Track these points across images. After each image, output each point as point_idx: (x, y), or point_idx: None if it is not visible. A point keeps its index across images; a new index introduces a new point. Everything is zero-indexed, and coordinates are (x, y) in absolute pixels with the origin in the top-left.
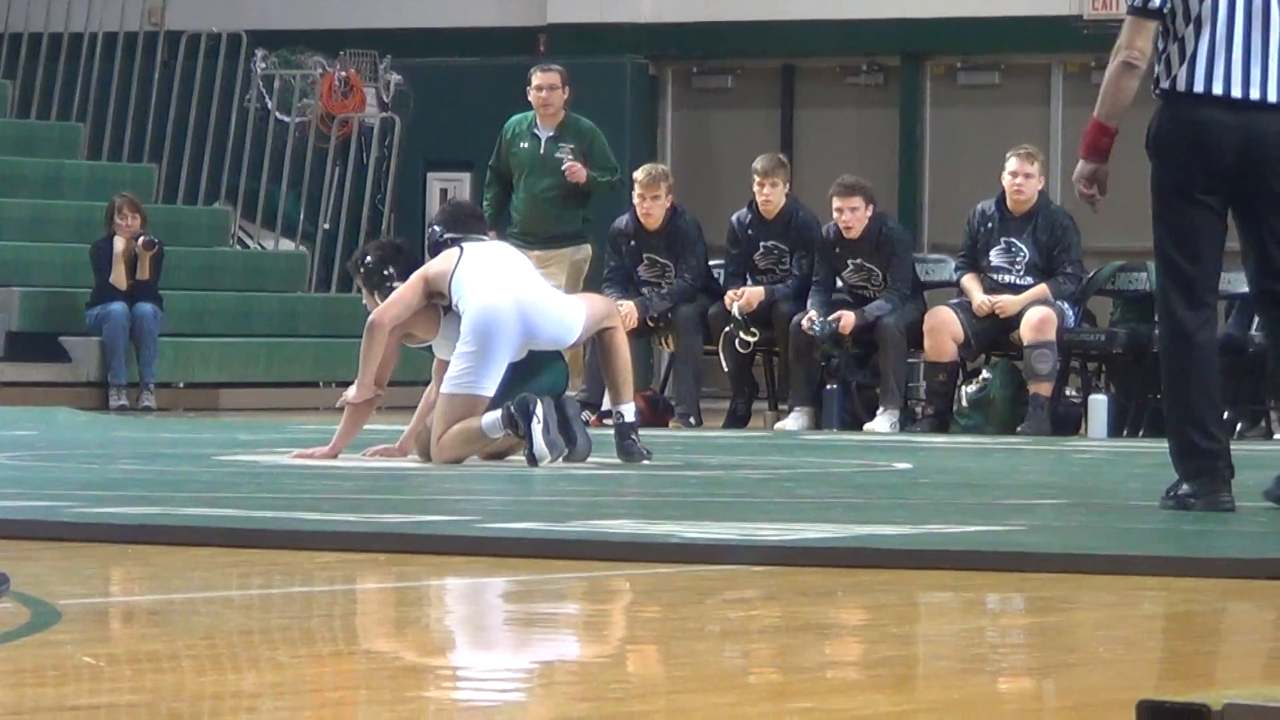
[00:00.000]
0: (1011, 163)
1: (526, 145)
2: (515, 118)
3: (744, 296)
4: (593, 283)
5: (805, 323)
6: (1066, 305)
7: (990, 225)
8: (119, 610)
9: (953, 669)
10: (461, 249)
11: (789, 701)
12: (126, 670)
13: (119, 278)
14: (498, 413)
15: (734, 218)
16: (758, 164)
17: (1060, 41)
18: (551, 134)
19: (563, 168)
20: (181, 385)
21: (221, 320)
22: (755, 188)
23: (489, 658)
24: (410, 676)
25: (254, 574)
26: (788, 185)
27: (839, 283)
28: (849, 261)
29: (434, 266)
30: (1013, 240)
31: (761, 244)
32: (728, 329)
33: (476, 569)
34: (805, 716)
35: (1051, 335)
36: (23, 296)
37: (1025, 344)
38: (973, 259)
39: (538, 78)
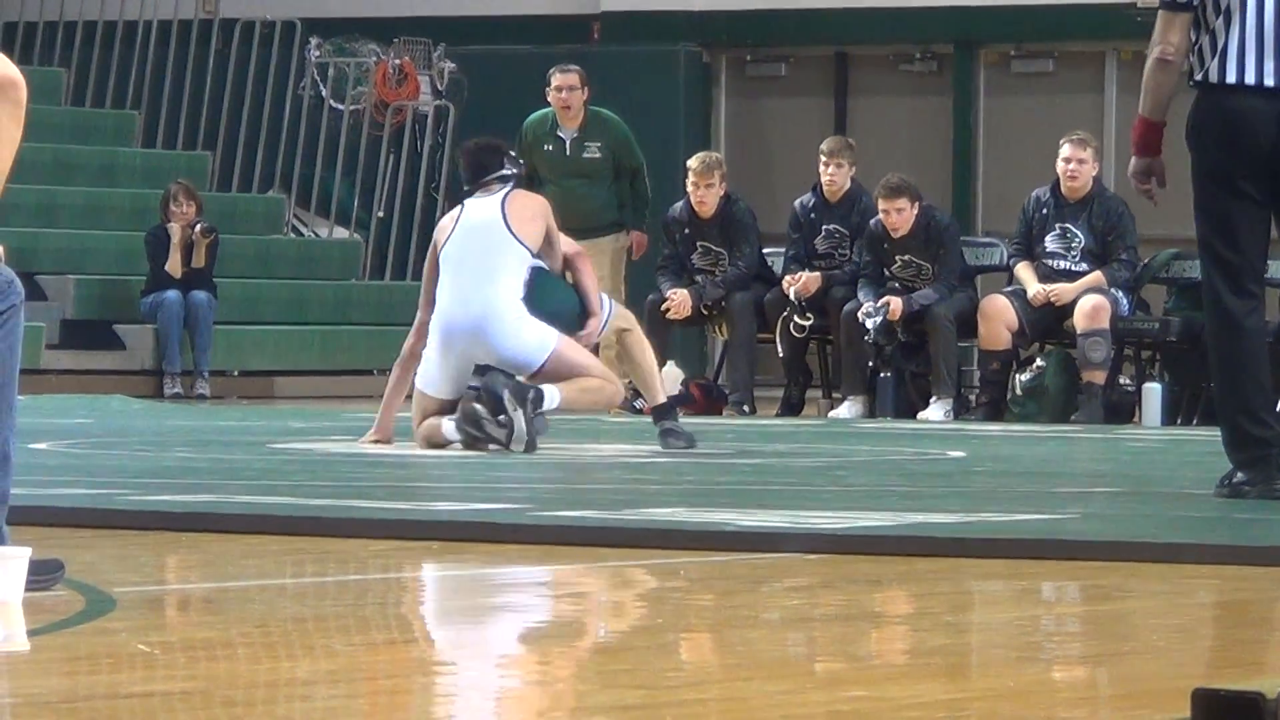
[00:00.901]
0: (1065, 149)
1: (551, 148)
2: (533, 118)
3: (801, 281)
4: (646, 269)
5: (860, 314)
6: (1120, 293)
7: (1045, 212)
8: (173, 598)
9: (1006, 657)
10: (461, 207)
11: (843, 689)
12: (181, 658)
13: (174, 265)
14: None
15: (797, 202)
16: (824, 145)
17: (1114, 29)
18: (575, 135)
19: (632, 253)
20: (236, 373)
21: (276, 308)
22: (820, 168)
23: (542, 646)
24: (463, 664)
25: (308, 562)
26: (853, 168)
27: (886, 274)
28: (897, 257)
29: (438, 234)
30: (1068, 226)
31: (824, 228)
32: (785, 314)
33: (530, 557)
34: (859, 704)
35: (1105, 323)
36: (77, 284)
37: (1079, 332)
38: (1027, 246)
39: (557, 79)
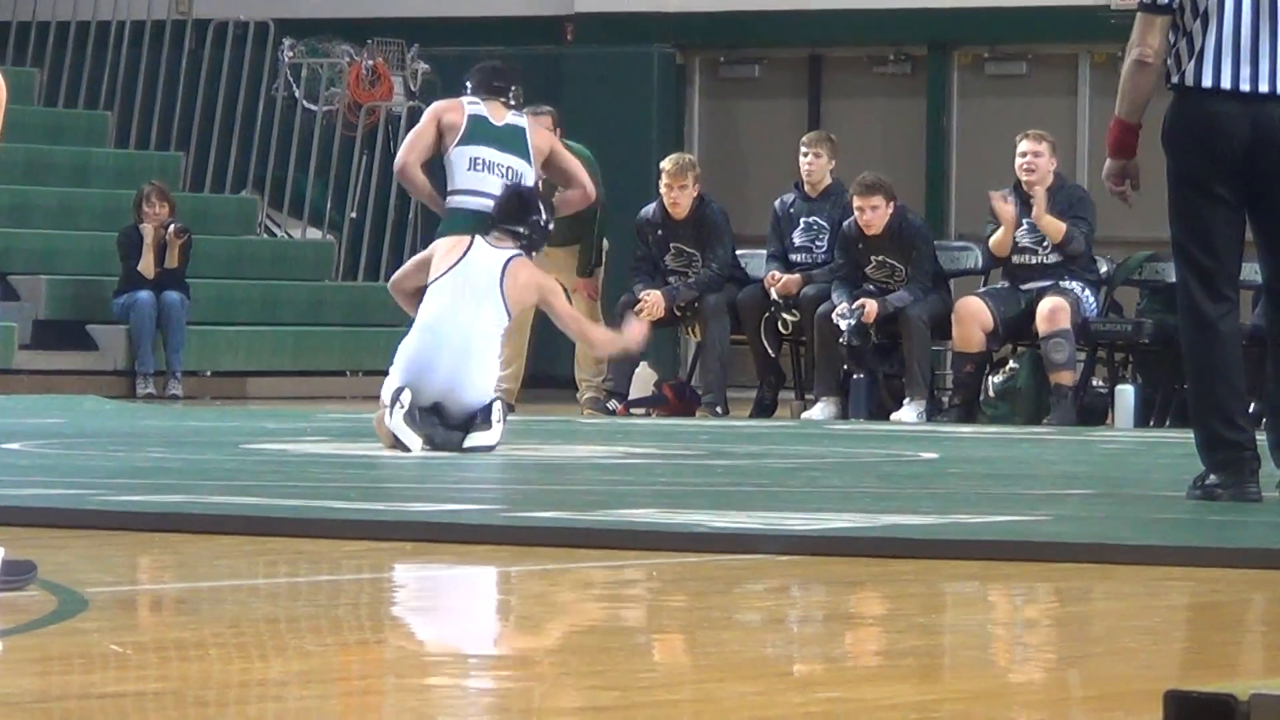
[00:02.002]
0: (1021, 145)
1: None
2: None
3: (782, 282)
4: (618, 270)
5: (834, 316)
6: (1085, 291)
7: (1013, 209)
8: (146, 598)
9: (978, 659)
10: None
11: (815, 691)
12: (153, 658)
13: (147, 266)
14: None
15: (777, 200)
16: (805, 137)
17: (1087, 31)
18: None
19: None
20: (208, 374)
21: (248, 309)
22: (800, 159)
23: (514, 647)
24: (436, 665)
25: (280, 562)
26: (832, 161)
27: (861, 275)
28: (871, 258)
29: (442, 250)
30: (1033, 222)
31: (803, 220)
32: (769, 313)
33: (502, 558)
34: (832, 706)
35: (1066, 324)
36: (50, 285)
37: (1040, 335)
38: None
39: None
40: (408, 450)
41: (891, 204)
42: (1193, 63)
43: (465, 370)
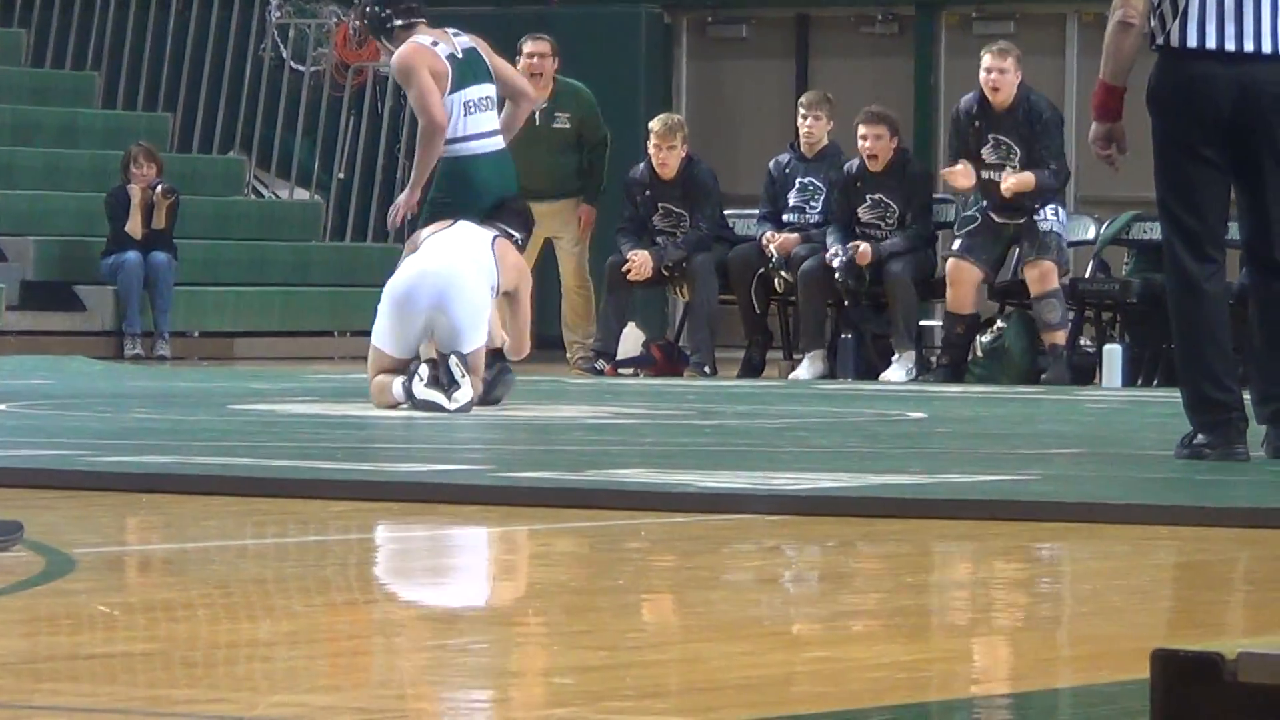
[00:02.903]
0: (985, 59)
1: None
2: None
3: (780, 240)
4: (606, 231)
5: (827, 257)
6: (1059, 215)
7: (978, 124)
8: (134, 559)
9: (966, 618)
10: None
11: (804, 651)
12: (141, 619)
13: (134, 227)
14: (400, 381)
15: (772, 161)
16: (803, 98)
17: None
18: (544, 104)
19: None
20: (196, 334)
21: (236, 269)
22: (799, 120)
23: (503, 607)
24: (424, 625)
25: (268, 523)
26: (830, 124)
27: (855, 220)
28: (868, 196)
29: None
30: (1000, 138)
31: (798, 180)
32: (764, 269)
33: (491, 518)
34: (819, 665)
35: (1054, 284)
36: (37, 245)
37: (1032, 296)
38: (961, 153)
39: (528, 46)
40: (442, 409)
41: (895, 139)
42: (1177, 23)
43: (452, 291)
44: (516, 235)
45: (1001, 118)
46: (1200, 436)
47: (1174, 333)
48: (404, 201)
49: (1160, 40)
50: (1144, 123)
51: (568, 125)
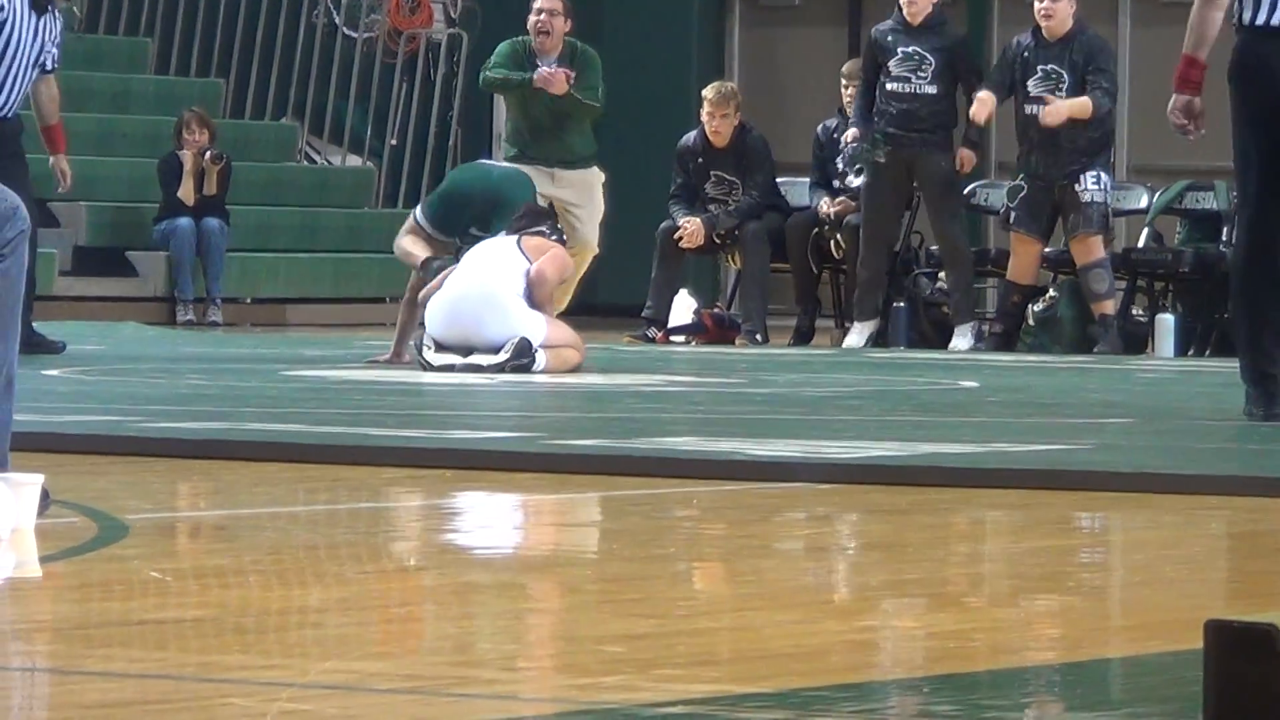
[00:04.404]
0: None
1: (529, 76)
2: (512, 44)
3: (841, 202)
4: (658, 198)
5: (848, 136)
6: (1103, 179)
7: (1026, 55)
8: (186, 525)
9: (1016, 588)
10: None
11: (855, 620)
12: (193, 585)
13: (186, 193)
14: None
15: (820, 125)
16: (845, 67)
17: None
18: (553, 62)
19: (534, 75)
20: (248, 301)
21: (288, 236)
22: (841, 90)
23: (554, 574)
24: (475, 592)
25: (320, 489)
26: None
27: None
28: (909, 49)
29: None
30: (1051, 67)
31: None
32: (818, 230)
33: (542, 485)
34: (870, 634)
35: (1100, 254)
36: (90, 211)
37: (1078, 267)
38: (1001, 86)
39: (539, 1)
40: (451, 367)
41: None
42: (1253, 1)
43: (488, 311)
44: (543, 229)
45: (1053, 47)
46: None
47: (1234, 302)
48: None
49: (1236, 19)
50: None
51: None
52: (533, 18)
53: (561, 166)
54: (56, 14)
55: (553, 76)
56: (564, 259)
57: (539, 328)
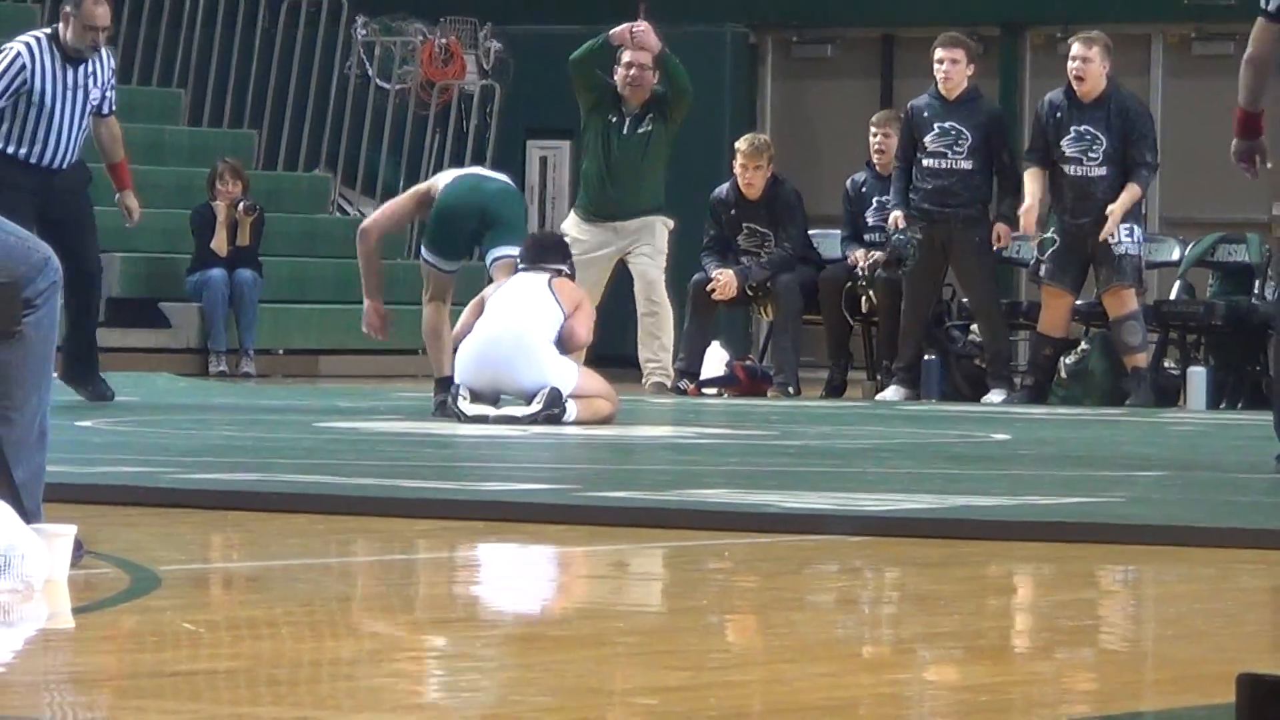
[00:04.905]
0: (1074, 48)
1: (614, 119)
2: (609, 82)
3: (871, 258)
4: (690, 250)
5: (891, 222)
6: (1135, 232)
7: (1060, 115)
8: (218, 576)
9: (1050, 641)
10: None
11: (887, 672)
12: (225, 636)
13: (219, 244)
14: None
15: (849, 180)
16: (875, 116)
17: (1160, 12)
18: (636, 111)
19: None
20: (281, 352)
21: (321, 287)
22: (870, 139)
23: (586, 626)
24: (508, 645)
25: (353, 541)
26: None
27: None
28: (938, 124)
29: (427, 182)
30: (1086, 129)
31: (875, 199)
32: (851, 284)
33: (574, 538)
34: (903, 687)
35: (1133, 306)
36: (123, 262)
37: (1111, 319)
38: (1042, 152)
39: (628, 55)
40: (484, 418)
41: (972, 67)
42: None
43: (520, 356)
44: (564, 269)
45: (1087, 109)
46: None
47: (1272, 353)
48: None
49: None
50: (1221, 148)
51: (650, 128)
52: (622, 71)
53: (626, 218)
54: (104, 59)
55: (635, 32)
56: (592, 315)
57: (571, 376)
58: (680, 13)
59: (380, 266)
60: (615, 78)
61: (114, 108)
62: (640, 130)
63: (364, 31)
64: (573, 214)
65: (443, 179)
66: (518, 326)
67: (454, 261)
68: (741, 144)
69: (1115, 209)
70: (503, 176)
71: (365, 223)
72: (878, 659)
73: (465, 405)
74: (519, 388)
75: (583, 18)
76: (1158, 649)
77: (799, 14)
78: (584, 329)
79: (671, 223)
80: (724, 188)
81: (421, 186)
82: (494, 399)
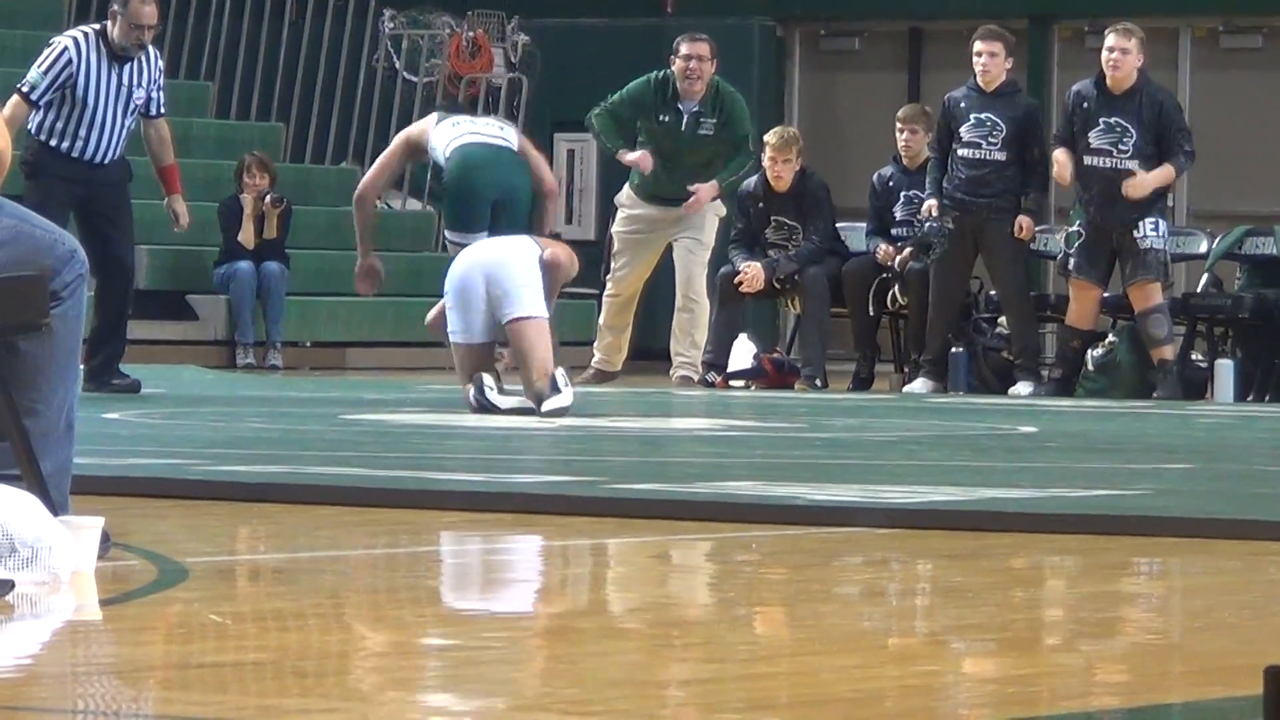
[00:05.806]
0: (1109, 39)
1: (667, 119)
2: (649, 82)
3: (903, 253)
4: (718, 243)
5: (924, 210)
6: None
7: (1088, 106)
8: (245, 568)
9: (1077, 633)
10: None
11: (914, 664)
12: (253, 628)
13: (247, 236)
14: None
15: (875, 175)
16: (901, 112)
17: (1189, 5)
18: (695, 108)
19: (687, 204)
20: (308, 344)
21: (348, 279)
22: (896, 134)
23: (615, 618)
24: (536, 636)
25: (380, 533)
26: (929, 136)
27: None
28: (972, 116)
29: (413, 128)
30: (1116, 120)
31: (903, 194)
32: (882, 277)
33: (602, 530)
34: (930, 679)
35: (1158, 299)
36: (150, 255)
37: (1136, 312)
38: (1068, 143)
39: (686, 47)
40: (510, 409)
41: (1010, 61)
42: None
43: (501, 264)
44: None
45: (1117, 100)
46: None
47: None
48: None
49: None
50: (1258, 137)
51: (711, 133)
52: (680, 63)
53: (679, 204)
54: (152, 59)
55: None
56: (570, 250)
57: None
58: (708, 6)
59: (376, 224)
60: (674, 69)
61: (163, 110)
62: (700, 132)
63: (391, 24)
64: (626, 187)
65: (435, 132)
66: (502, 245)
67: (476, 234)
68: (770, 137)
69: (1149, 176)
70: (501, 132)
71: (360, 189)
72: (905, 651)
73: (494, 397)
74: (503, 290)
75: (609, 11)
76: (1184, 641)
77: (826, 7)
78: (564, 251)
79: (723, 210)
80: (752, 181)
81: (411, 133)
82: (489, 315)
